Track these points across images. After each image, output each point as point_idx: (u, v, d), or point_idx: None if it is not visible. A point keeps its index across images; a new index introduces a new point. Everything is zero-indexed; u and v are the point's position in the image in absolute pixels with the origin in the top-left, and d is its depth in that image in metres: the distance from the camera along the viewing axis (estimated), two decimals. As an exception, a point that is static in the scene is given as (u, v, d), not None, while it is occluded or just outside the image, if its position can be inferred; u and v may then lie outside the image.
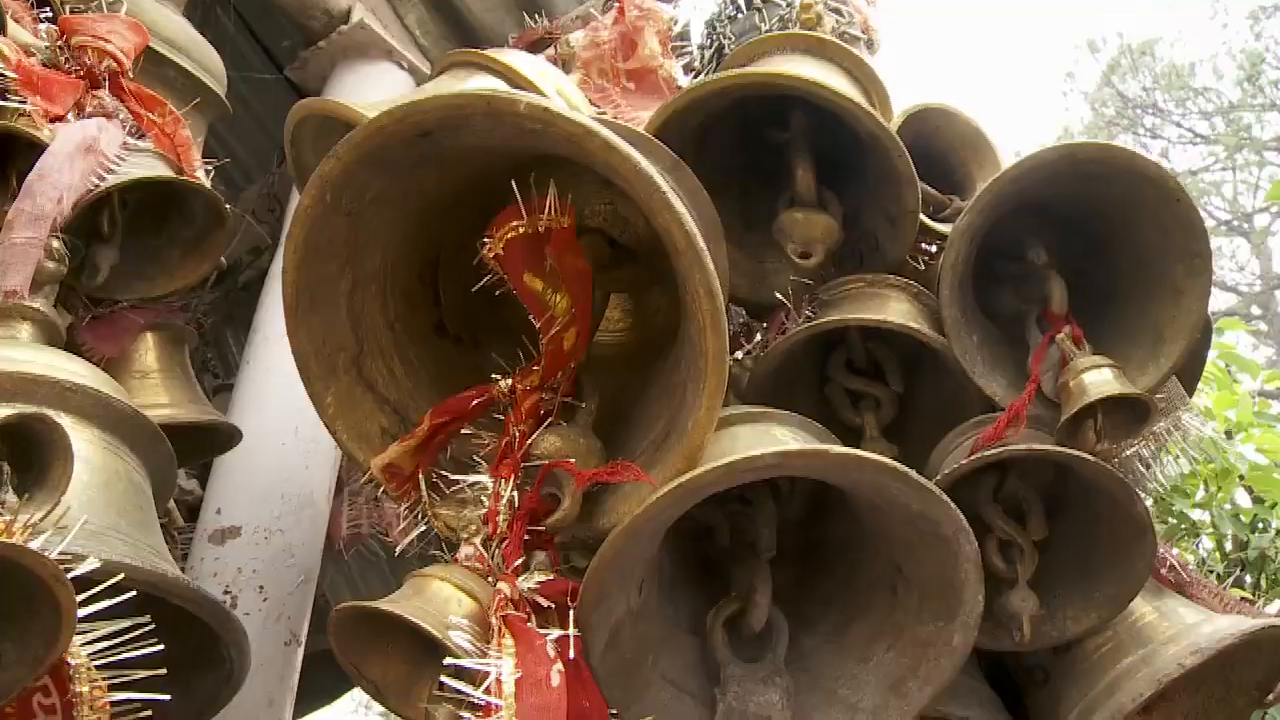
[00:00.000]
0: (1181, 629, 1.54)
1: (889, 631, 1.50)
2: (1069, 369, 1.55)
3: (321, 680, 2.66)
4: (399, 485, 1.53)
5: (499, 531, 1.38)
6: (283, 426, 2.34)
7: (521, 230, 1.43)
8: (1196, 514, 3.61)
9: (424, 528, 1.56)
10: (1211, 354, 3.89)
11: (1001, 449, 1.49)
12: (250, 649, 1.52)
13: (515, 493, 1.41)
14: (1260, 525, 3.82)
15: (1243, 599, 1.86)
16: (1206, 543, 3.75)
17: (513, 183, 1.41)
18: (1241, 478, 3.75)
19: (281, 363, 2.41)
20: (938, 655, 1.46)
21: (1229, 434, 3.79)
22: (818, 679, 1.53)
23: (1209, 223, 13.77)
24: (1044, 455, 1.50)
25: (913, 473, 1.31)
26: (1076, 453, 1.47)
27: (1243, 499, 3.87)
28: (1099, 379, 1.51)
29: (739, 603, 1.51)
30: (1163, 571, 1.67)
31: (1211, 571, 3.23)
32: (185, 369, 2.00)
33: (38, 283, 1.66)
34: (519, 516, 1.40)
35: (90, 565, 1.20)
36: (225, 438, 2.03)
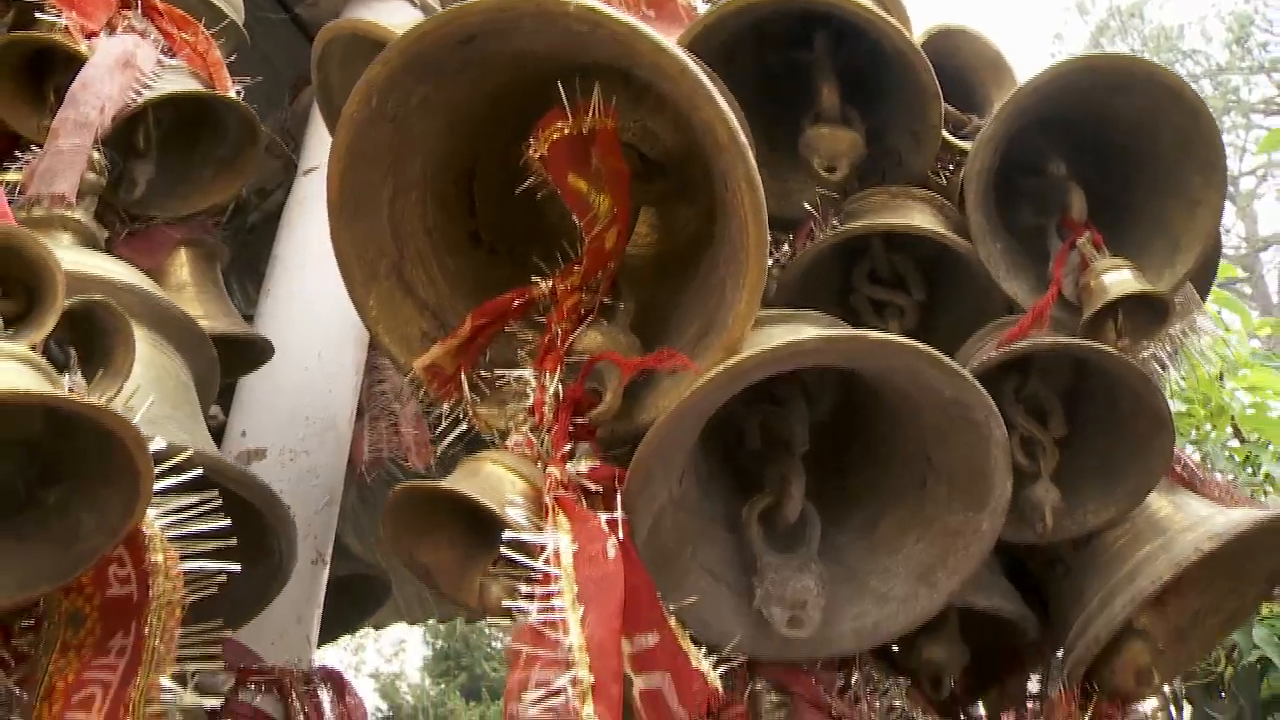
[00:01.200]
0: (1197, 519, 1.60)
1: (918, 524, 1.56)
2: (1089, 270, 1.60)
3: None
4: (440, 385, 1.58)
5: (545, 421, 1.43)
6: (305, 352, 2.37)
7: (566, 131, 1.47)
8: (1191, 451, 3.69)
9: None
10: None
11: (1028, 343, 1.54)
12: (297, 540, 1.57)
13: (559, 386, 1.46)
14: (1252, 467, 3.91)
15: (1252, 496, 1.92)
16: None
17: (559, 84, 1.45)
18: (1233, 419, 3.83)
19: (303, 289, 2.46)
20: (966, 544, 1.51)
21: (1222, 376, 3.87)
22: (850, 572, 1.58)
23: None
24: (1068, 348, 1.56)
25: (945, 358, 1.36)
26: (1100, 346, 1.53)
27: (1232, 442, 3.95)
28: (1119, 278, 1.57)
29: (772, 497, 1.56)
30: (1176, 469, 1.73)
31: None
32: (218, 284, 2.04)
33: (80, 193, 1.69)
34: (564, 407, 1.44)
35: (157, 445, 1.24)
36: (259, 351, 2.07)
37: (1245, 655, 3.35)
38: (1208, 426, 3.84)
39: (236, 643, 2.04)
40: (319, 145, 2.68)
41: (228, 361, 2.01)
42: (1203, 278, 1.92)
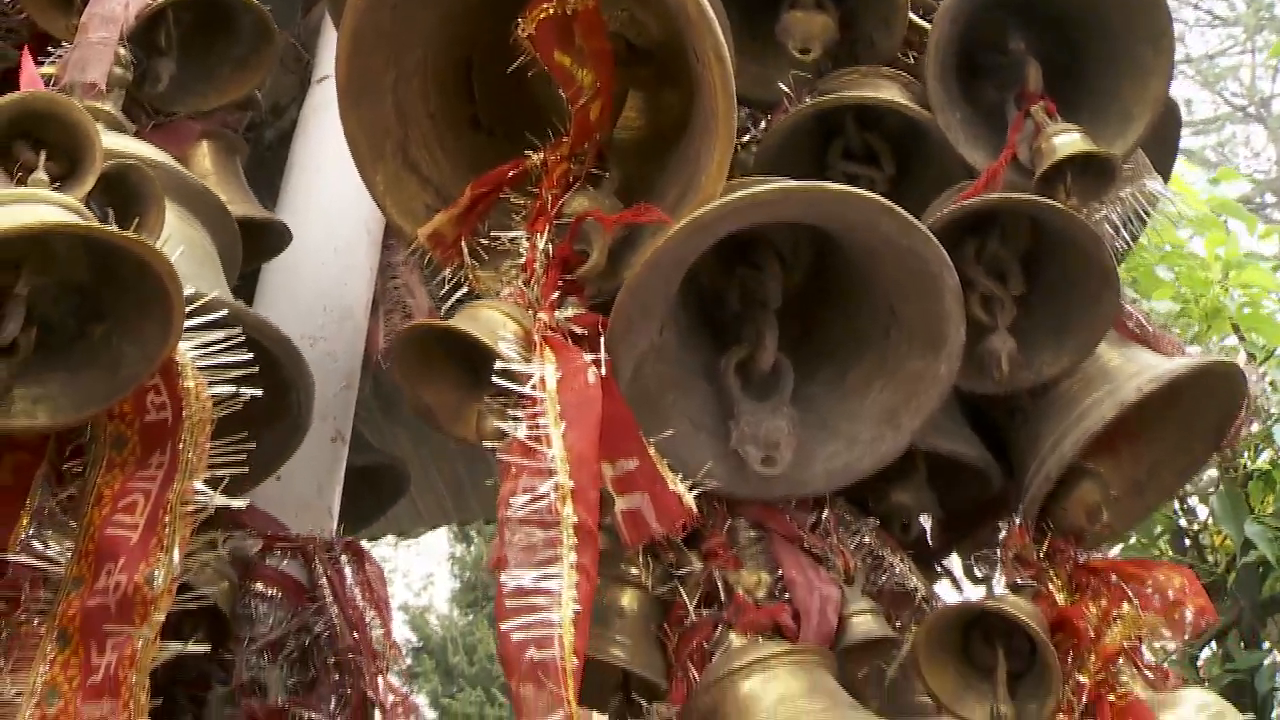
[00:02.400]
0: (1144, 367, 1.73)
1: (883, 372, 1.70)
2: (1041, 135, 1.72)
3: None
4: (443, 252, 1.72)
5: (536, 276, 1.57)
6: (322, 247, 2.52)
7: (551, 11, 1.60)
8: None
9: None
10: (1205, 201, 4.04)
11: (981, 200, 1.67)
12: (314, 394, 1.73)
13: (549, 245, 1.60)
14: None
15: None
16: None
17: (544, -34, 1.58)
18: (1232, 319, 3.91)
19: (319, 191, 2.60)
20: (926, 388, 1.65)
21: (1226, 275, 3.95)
22: (820, 419, 1.72)
23: (1224, 109, 13.78)
24: (1020, 204, 1.68)
25: (899, 209, 1.50)
26: (1050, 201, 1.66)
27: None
28: (1068, 140, 1.69)
29: (748, 349, 1.70)
30: (1130, 326, 1.86)
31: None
32: (238, 175, 2.18)
33: (109, 85, 1.83)
34: (553, 264, 1.58)
35: (187, 292, 1.39)
36: (277, 237, 2.21)
37: (1243, 556, 3.46)
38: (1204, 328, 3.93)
39: (263, 513, 2.21)
40: (330, 56, 2.81)
41: (248, 247, 2.16)
42: (1162, 159, 2.04)
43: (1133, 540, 3.47)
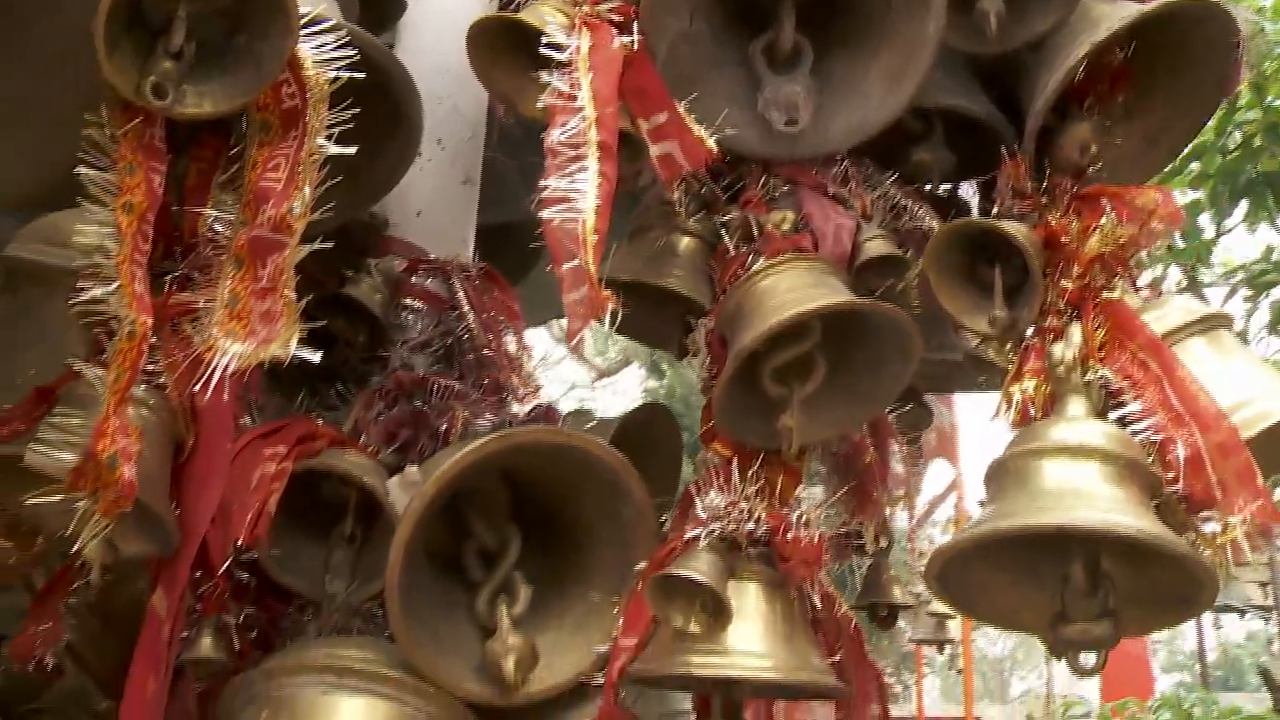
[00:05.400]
0: (1122, 11, 1.95)
1: (885, 40, 2.00)
2: None
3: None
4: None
5: (583, -12, 1.91)
6: (444, 14, 2.89)
7: None
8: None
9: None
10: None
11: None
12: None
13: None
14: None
15: None
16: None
17: None
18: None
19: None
20: (920, 47, 1.95)
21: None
22: (836, 86, 2.03)
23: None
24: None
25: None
26: None
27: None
28: None
29: (772, 32, 2.02)
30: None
31: None
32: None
33: None
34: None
35: (304, 10, 1.79)
36: (396, 6, 2.61)
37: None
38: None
39: (407, 242, 2.66)
40: None
41: (373, 15, 2.55)
42: None
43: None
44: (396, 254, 2.57)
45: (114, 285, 1.58)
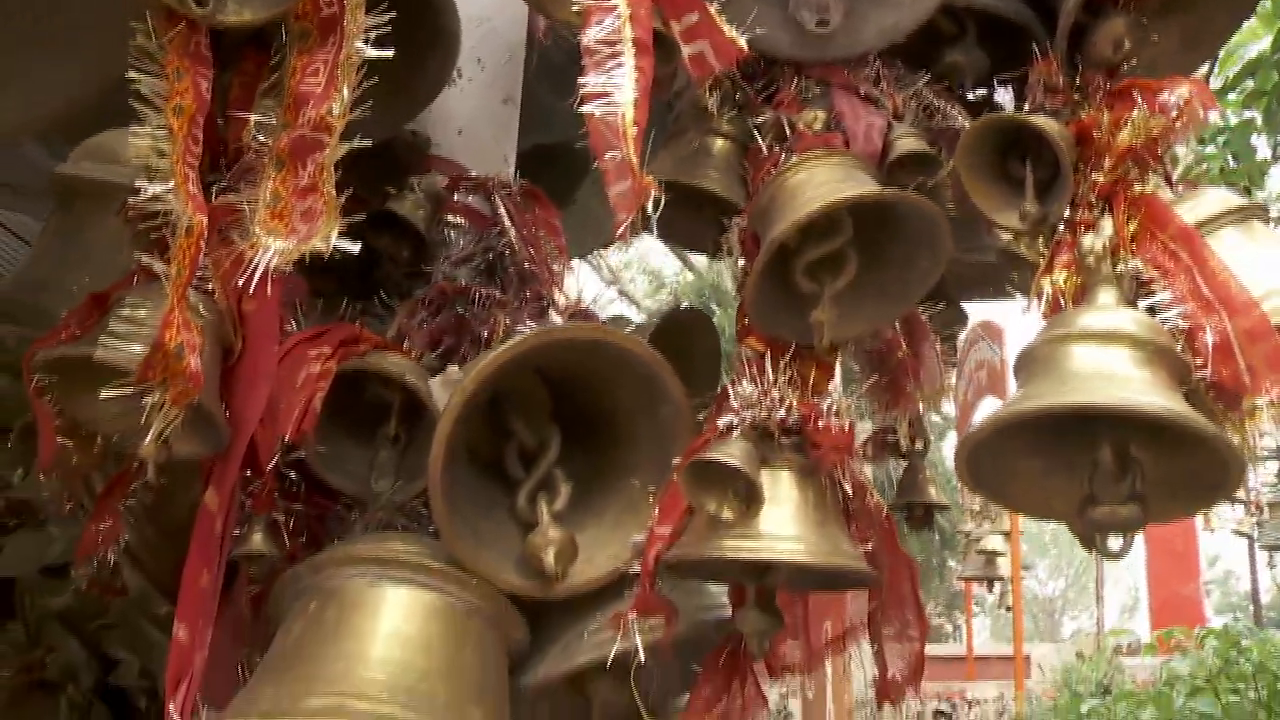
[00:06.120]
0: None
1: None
2: None
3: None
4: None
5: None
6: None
7: None
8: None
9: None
10: None
11: None
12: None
13: None
14: None
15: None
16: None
17: None
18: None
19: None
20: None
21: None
22: (870, -13, 2.04)
23: None
24: None
25: None
26: None
27: None
28: None
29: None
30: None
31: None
32: None
33: None
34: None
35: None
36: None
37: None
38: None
39: (449, 160, 2.70)
40: None
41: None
42: None
43: None
44: (439, 172, 2.62)
45: (170, 184, 1.64)
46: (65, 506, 3.38)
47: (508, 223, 2.59)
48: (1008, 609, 15.09)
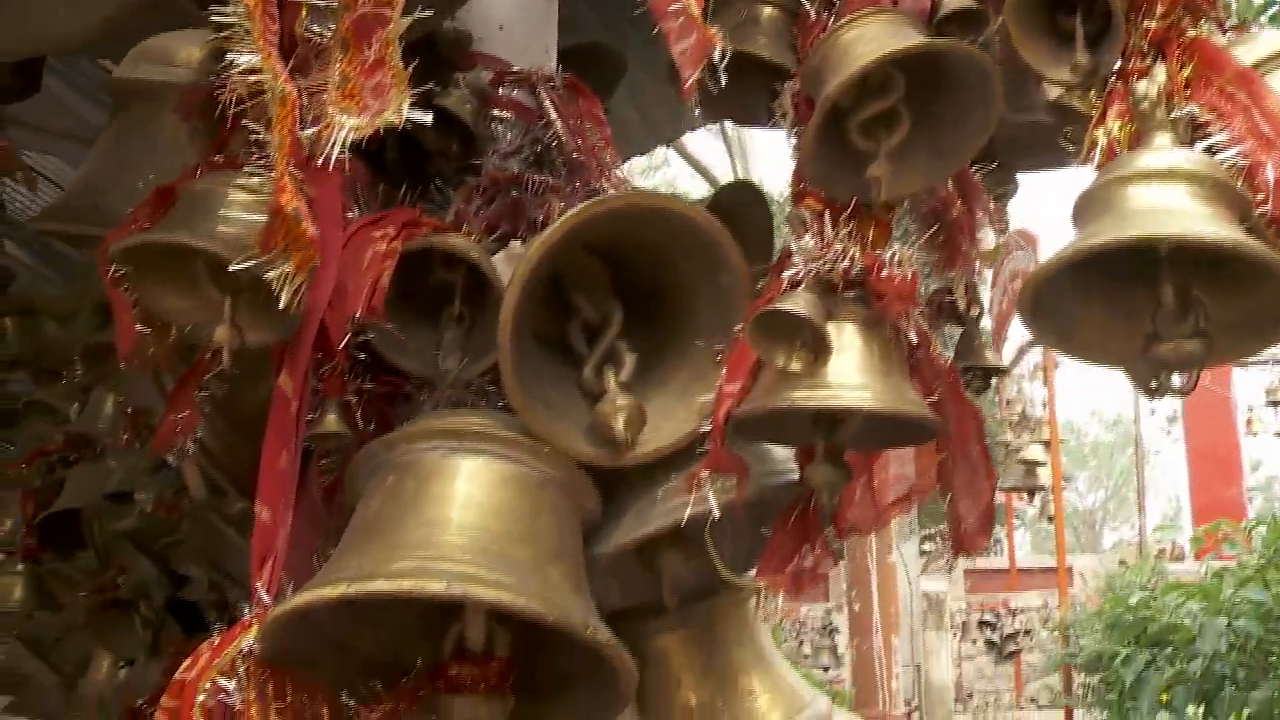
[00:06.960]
0: None
1: None
2: None
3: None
4: None
5: None
6: None
7: None
8: None
9: None
10: None
11: None
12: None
13: None
14: None
15: None
16: None
17: None
18: None
19: None
20: None
21: None
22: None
23: None
24: None
25: None
26: None
27: None
28: None
29: None
30: None
31: None
32: None
33: None
34: None
35: None
36: None
37: None
38: None
39: (491, 56, 2.72)
40: None
41: None
42: None
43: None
44: (483, 67, 2.64)
45: (258, 58, 1.67)
46: (122, 438, 3.48)
47: (553, 115, 2.61)
48: (1050, 519, 15.14)
